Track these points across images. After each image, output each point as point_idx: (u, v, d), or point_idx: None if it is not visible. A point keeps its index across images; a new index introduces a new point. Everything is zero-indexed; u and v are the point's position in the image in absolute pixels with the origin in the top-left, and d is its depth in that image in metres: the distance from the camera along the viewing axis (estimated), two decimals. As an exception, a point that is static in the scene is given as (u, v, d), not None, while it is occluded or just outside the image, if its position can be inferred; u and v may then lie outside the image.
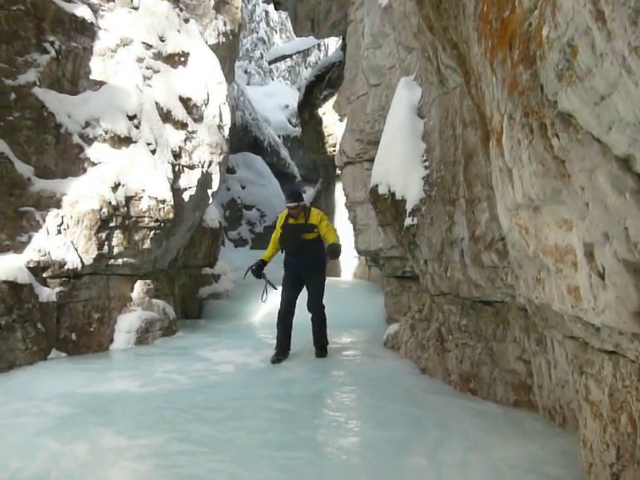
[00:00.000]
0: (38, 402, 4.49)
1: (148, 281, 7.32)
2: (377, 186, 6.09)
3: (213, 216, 10.52)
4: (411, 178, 5.51)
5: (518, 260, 2.76)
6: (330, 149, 12.94)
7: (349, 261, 12.67)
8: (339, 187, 12.55)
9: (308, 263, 6.08)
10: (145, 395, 4.71)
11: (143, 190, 6.88)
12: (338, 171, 12.35)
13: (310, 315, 6.18)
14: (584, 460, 2.49)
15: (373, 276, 11.66)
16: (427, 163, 5.37)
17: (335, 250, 6.01)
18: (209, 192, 8.42)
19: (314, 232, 6.07)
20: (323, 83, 13.20)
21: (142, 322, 6.87)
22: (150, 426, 3.92)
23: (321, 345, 6.18)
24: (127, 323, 6.74)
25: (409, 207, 5.44)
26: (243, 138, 18.59)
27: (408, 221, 5.43)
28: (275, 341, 6.20)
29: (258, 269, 6.17)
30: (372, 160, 7.77)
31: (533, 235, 2.26)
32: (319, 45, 26.64)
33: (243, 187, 17.85)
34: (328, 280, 6.50)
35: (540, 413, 4.04)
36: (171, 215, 7.14)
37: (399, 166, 5.75)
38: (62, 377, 5.17)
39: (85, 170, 6.64)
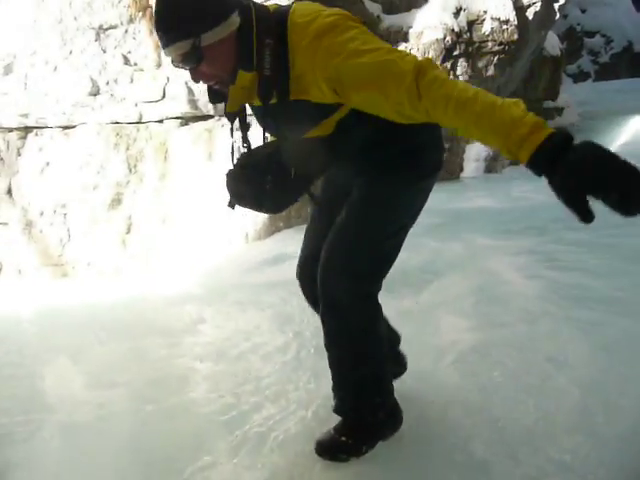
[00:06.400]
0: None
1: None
2: None
3: (553, 42, 9.45)
4: None
5: None
6: None
7: None
8: None
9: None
10: (504, 209, 4.86)
11: (485, 12, 6.51)
12: None
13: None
14: None
15: None
16: None
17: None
18: (555, 6, 7.48)
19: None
20: None
21: (490, 151, 6.87)
22: (519, 233, 4.00)
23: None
24: (475, 152, 6.84)
25: None
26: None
27: None
28: None
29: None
30: None
31: None
32: None
33: (583, 11, 15.47)
34: None
35: None
36: (515, 36, 6.63)
37: None
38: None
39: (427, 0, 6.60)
